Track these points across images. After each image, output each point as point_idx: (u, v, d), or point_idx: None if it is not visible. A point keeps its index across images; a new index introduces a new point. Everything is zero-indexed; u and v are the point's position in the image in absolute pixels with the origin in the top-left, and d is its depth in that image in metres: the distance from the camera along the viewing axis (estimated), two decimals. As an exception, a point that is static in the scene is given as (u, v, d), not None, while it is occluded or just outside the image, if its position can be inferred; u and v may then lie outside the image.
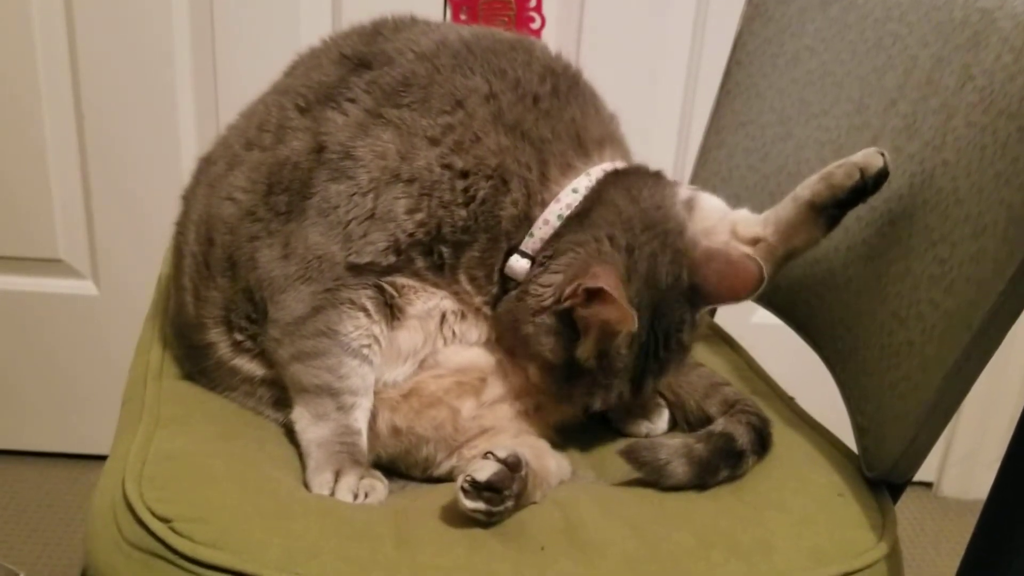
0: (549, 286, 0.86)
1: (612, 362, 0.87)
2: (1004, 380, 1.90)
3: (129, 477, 0.78)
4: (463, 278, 0.89)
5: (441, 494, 0.82)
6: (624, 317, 0.81)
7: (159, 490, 0.76)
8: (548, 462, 0.88)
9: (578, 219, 0.88)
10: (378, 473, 0.87)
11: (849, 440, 0.93)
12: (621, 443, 0.97)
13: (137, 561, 0.73)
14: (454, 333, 0.92)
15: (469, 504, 0.76)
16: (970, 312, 0.77)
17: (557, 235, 0.88)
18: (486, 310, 0.91)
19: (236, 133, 0.98)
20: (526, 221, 0.88)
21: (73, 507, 1.77)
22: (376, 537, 0.75)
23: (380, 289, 0.88)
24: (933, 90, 0.90)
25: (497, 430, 0.91)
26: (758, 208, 1.04)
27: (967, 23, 0.88)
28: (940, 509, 1.98)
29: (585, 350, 0.87)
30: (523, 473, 0.79)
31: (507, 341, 0.91)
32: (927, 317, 0.81)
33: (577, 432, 0.98)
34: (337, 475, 0.84)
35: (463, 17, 1.64)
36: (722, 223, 0.99)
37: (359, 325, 0.87)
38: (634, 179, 0.90)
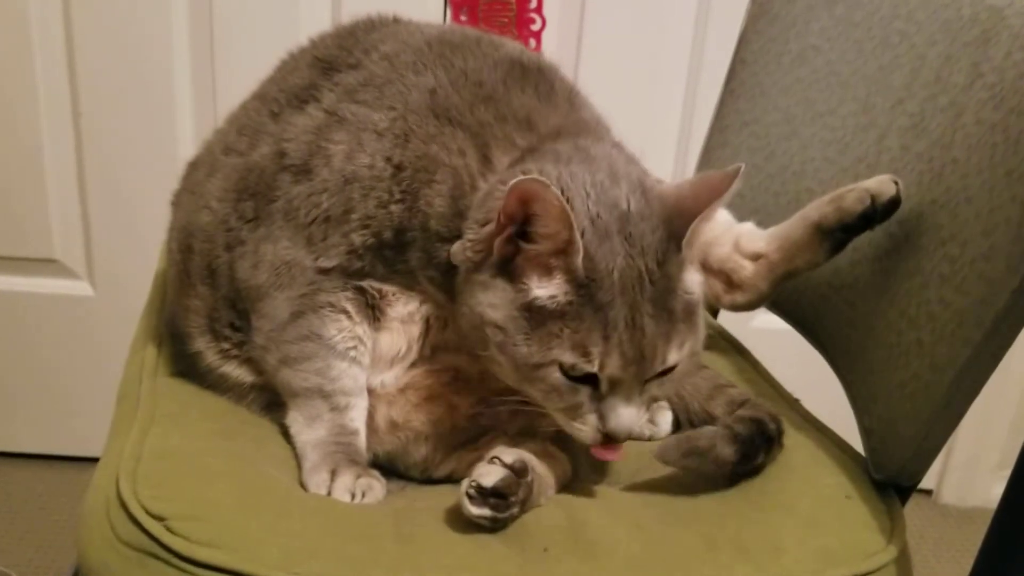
0: (479, 239, 0.78)
1: (592, 291, 0.74)
2: (1004, 386, 1.89)
3: (123, 474, 0.76)
4: (423, 279, 0.85)
5: (441, 494, 0.81)
6: (556, 203, 0.71)
7: (154, 488, 0.75)
8: (552, 466, 0.86)
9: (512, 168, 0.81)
10: (376, 472, 0.85)
11: (854, 443, 0.91)
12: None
13: (131, 560, 0.72)
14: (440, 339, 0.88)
15: (475, 510, 0.74)
16: (981, 310, 0.76)
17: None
18: None
19: (218, 138, 0.98)
20: (459, 214, 0.81)
21: (67, 510, 1.76)
22: (376, 537, 0.74)
23: (361, 291, 0.86)
24: (942, 88, 0.89)
25: (497, 432, 0.89)
26: (761, 208, 1.04)
27: (976, 20, 0.88)
28: (940, 516, 1.98)
29: (548, 287, 0.75)
30: (529, 479, 0.77)
31: (460, 329, 0.82)
32: (937, 316, 0.80)
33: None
34: (333, 474, 0.83)
35: (463, 18, 1.63)
36: (726, 235, 0.99)
37: (342, 328, 0.86)
38: (585, 138, 0.82)
